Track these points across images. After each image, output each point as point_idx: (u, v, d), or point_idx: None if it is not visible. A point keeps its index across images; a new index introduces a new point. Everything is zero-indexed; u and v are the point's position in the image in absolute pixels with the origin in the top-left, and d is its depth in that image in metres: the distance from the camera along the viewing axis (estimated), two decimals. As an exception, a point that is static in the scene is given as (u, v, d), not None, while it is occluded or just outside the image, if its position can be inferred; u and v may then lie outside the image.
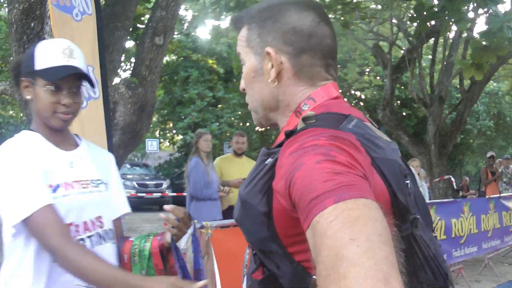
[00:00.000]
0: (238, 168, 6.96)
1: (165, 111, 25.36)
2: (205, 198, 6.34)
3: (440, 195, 12.95)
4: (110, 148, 3.96)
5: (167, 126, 27.29)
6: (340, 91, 1.35)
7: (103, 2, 5.23)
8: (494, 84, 25.65)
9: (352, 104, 23.72)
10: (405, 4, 12.56)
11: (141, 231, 12.68)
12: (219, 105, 25.92)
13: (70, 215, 1.92)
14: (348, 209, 0.88)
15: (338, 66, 1.35)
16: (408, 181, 1.19)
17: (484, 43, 6.98)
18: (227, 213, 6.54)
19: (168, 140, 29.06)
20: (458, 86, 16.31)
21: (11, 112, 24.06)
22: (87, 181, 2.03)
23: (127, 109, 4.92)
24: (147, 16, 6.97)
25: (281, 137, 1.20)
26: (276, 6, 1.29)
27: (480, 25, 45.03)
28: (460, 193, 16.36)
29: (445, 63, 14.26)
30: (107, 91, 4.06)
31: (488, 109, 26.03)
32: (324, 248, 0.85)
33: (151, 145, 22.78)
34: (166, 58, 22.82)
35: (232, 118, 25.27)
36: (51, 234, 1.78)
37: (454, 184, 14.22)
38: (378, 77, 24.20)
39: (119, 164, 5.13)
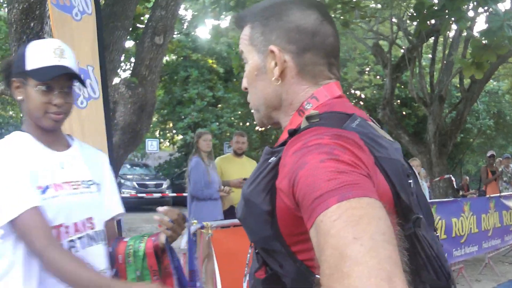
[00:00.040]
0: (238, 168, 6.94)
1: (165, 111, 25.36)
2: (206, 198, 6.33)
3: (440, 195, 12.95)
4: (110, 148, 3.96)
5: (167, 126, 27.29)
6: (341, 90, 1.35)
7: (103, 2, 5.23)
8: (494, 83, 25.66)
9: (352, 103, 23.70)
10: (405, 3, 12.56)
11: (141, 231, 12.67)
12: (219, 105, 25.92)
13: (60, 216, 1.90)
14: (352, 208, 0.88)
15: (339, 65, 1.35)
16: (411, 181, 1.19)
17: (484, 41, 6.97)
18: (228, 213, 6.53)
19: (168, 140, 29.06)
20: (458, 85, 16.30)
21: (11, 113, 24.05)
22: (78, 182, 2.01)
23: (127, 109, 4.92)
24: (147, 15, 6.97)
25: (284, 136, 1.20)
26: (279, 5, 1.29)
27: (480, 24, 45.05)
28: (460, 193, 16.35)
29: (445, 62, 14.26)
30: (107, 91, 4.05)
31: (488, 108, 26.04)
32: (328, 247, 0.85)
33: (151, 145, 22.78)
34: (166, 58, 22.81)
35: (232, 118, 25.28)
36: (36, 237, 1.78)
37: (454, 183, 14.21)
38: (378, 76, 24.24)
39: (119, 164, 5.14)
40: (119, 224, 3.86)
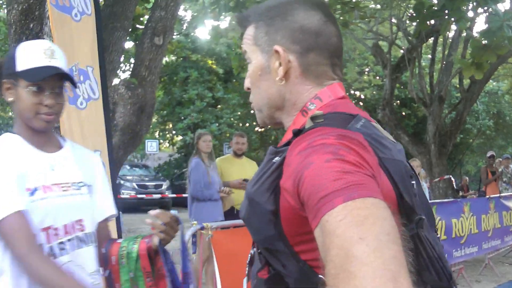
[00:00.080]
0: (238, 169, 6.94)
1: (165, 111, 25.37)
2: (206, 199, 6.32)
3: (440, 195, 12.95)
4: (110, 149, 3.95)
5: (167, 127, 27.30)
6: (341, 91, 1.34)
7: (102, 3, 5.22)
8: (494, 83, 25.66)
9: (352, 104, 23.69)
10: (404, 4, 12.56)
11: (140, 232, 12.66)
12: (219, 106, 25.93)
13: (48, 218, 1.89)
14: (357, 208, 0.88)
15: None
16: (413, 182, 1.19)
17: (484, 42, 6.97)
18: (229, 214, 6.52)
19: (167, 141, 29.06)
20: (458, 86, 16.30)
21: (10, 114, 24.06)
22: (68, 183, 2.00)
23: (126, 110, 4.91)
24: (146, 16, 6.96)
25: (288, 136, 1.21)
26: (284, 5, 1.29)
27: (480, 24, 45.05)
28: (460, 193, 16.35)
29: (444, 62, 14.26)
30: (106, 91, 4.05)
31: (487, 108, 26.04)
32: (333, 247, 0.85)
33: (150, 146, 22.75)
34: (166, 59, 22.82)
35: (232, 119, 25.28)
36: (18, 242, 1.78)
37: (454, 184, 14.21)
38: (377, 77, 24.24)
39: (119, 165, 5.13)
40: (119, 225, 3.86)
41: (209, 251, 4.64)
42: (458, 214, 7.30)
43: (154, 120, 24.50)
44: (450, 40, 14.50)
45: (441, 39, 15.10)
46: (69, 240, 1.94)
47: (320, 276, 1.05)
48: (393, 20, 14.33)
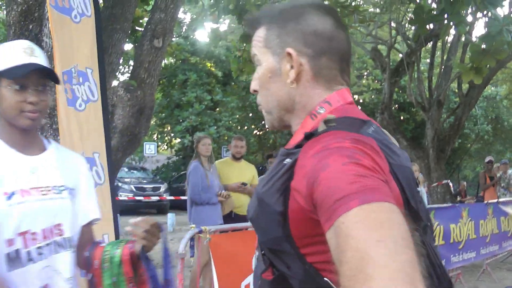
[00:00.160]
0: (237, 172, 6.93)
1: (163, 114, 25.37)
2: (204, 202, 6.30)
3: (438, 200, 12.94)
4: (109, 151, 3.94)
5: (165, 129, 27.28)
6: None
7: (102, 4, 5.21)
8: (492, 88, 25.70)
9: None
10: (403, 8, 12.57)
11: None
12: (217, 109, 25.94)
13: (25, 223, 1.88)
14: (373, 212, 0.89)
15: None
16: (419, 189, 1.21)
17: (483, 46, 6.97)
18: (228, 218, 6.51)
19: (166, 143, 29.04)
20: (457, 90, 16.31)
21: None
22: (48, 187, 1.98)
23: (125, 112, 4.90)
24: (146, 18, 6.95)
25: (297, 138, 1.22)
26: (298, 8, 1.30)
27: (478, 29, 45.15)
28: (458, 198, 16.36)
29: (443, 67, 14.27)
30: (105, 93, 4.04)
31: (486, 113, 26.06)
32: (349, 248, 0.86)
33: (149, 148, 22.72)
34: (165, 61, 22.81)
35: (230, 122, 25.28)
36: None
37: (452, 189, 14.21)
38: (376, 81, 24.25)
39: (117, 167, 5.11)
40: (116, 227, 3.84)
41: (207, 255, 4.62)
42: (456, 219, 7.29)
43: (152, 122, 24.47)
44: (449, 45, 14.51)
45: (440, 44, 15.11)
46: (47, 244, 1.93)
47: (325, 279, 1.08)
48: (392, 24, 14.34)
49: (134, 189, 19.67)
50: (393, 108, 18.52)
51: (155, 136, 27.68)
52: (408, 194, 1.13)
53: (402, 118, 25.49)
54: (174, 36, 21.11)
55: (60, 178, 2.03)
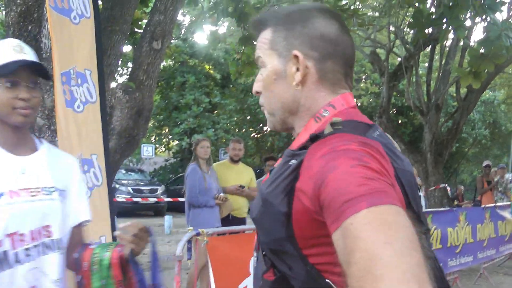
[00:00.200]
0: (235, 175, 6.93)
1: (161, 116, 25.36)
2: (201, 205, 6.30)
3: (436, 204, 12.93)
4: (107, 153, 3.94)
5: (163, 131, 27.27)
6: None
7: (101, 6, 5.21)
8: (490, 93, 25.75)
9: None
10: (402, 12, 12.59)
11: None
12: (216, 111, 25.93)
13: (13, 224, 1.87)
14: (382, 214, 0.90)
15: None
16: (420, 193, 1.23)
17: (482, 51, 6.98)
18: (226, 220, 6.50)
19: (163, 145, 29.02)
20: (455, 95, 16.32)
21: None
22: (38, 188, 1.97)
23: (123, 114, 4.89)
24: (145, 20, 6.95)
25: (301, 140, 1.24)
26: (305, 12, 1.32)
27: (477, 34, 45.24)
28: (455, 202, 16.37)
29: (441, 71, 14.28)
30: (104, 95, 4.04)
31: (484, 117, 26.12)
32: (358, 249, 0.87)
33: (146, 150, 22.68)
34: (163, 63, 22.81)
35: (228, 124, 25.29)
36: None
37: (449, 193, 14.21)
38: (374, 85, 24.26)
39: (115, 169, 5.11)
40: (114, 229, 3.83)
41: (205, 257, 4.62)
42: (453, 223, 7.31)
43: (150, 124, 24.44)
44: (448, 49, 14.52)
45: (439, 48, 15.13)
46: (35, 246, 1.92)
47: (327, 280, 1.09)
48: (391, 28, 14.34)
49: (131, 191, 19.59)
50: (391, 112, 18.53)
51: (153, 138, 27.67)
52: (410, 198, 1.15)
53: (400, 122, 25.50)
54: (173, 38, 21.13)
55: (51, 179, 2.02)
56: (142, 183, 21.13)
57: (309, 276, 1.14)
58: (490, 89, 23.85)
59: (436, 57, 15.28)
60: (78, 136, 3.63)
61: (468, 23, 8.62)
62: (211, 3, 9.82)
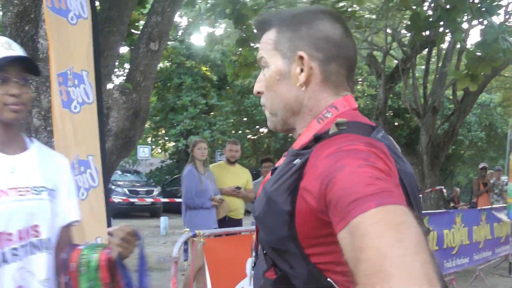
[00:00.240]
0: (231, 176, 6.93)
1: (158, 117, 25.34)
2: (198, 206, 6.29)
3: (432, 206, 12.97)
4: (103, 154, 3.93)
5: (159, 132, 27.25)
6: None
7: (99, 6, 5.20)
8: (486, 95, 25.81)
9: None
10: (399, 14, 12.61)
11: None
12: (212, 113, 25.93)
13: (2, 223, 1.86)
14: (390, 213, 0.92)
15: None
16: (420, 195, 1.24)
17: (479, 54, 6.99)
18: (222, 222, 6.50)
19: (160, 147, 29.00)
20: (451, 97, 16.36)
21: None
22: (27, 188, 1.95)
23: (120, 115, 4.88)
24: (142, 22, 6.94)
25: (304, 140, 1.25)
26: (310, 14, 1.34)
27: (473, 37, 45.39)
28: (451, 204, 16.40)
29: (438, 73, 14.32)
30: (101, 96, 4.03)
31: (480, 120, 26.16)
32: (368, 247, 0.88)
33: (142, 151, 22.66)
34: (160, 65, 22.79)
35: (225, 126, 25.28)
36: None
37: (446, 195, 14.24)
38: (371, 87, 24.29)
39: (112, 170, 5.10)
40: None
41: (201, 259, 4.61)
42: (450, 225, 7.32)
43: (146, 125, 24.41)
44: (444, 52, 14.56)
45: (436, 50, 15.17)
46: (22, 246, 1.90)
47: (329, 279, 1.11)
48: (388, 31, 14.38)
49: (127, 192, 19.56)
50: (387, 114, 18.57)
51: (149, 139, 27.64)
52: (411, 200, 1.16)
53: (396, 124, 25.52)
54: (170, 39, 21.11)
55: (40, 179, 2.01)
56: (138, 185, 21.10)
57: (311, 275, 1.15)
58: (486, 91, 23.88)
59: (433, 59, 15.31)
60: (74, 137, 3.62)
61: (465, 26, 8.63)
62: (209, 5, 9.81)
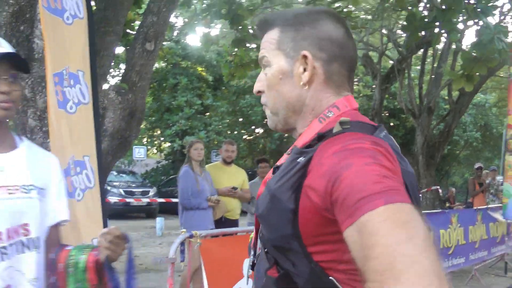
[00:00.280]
0: (227, 177, 6.93)
1: (153, 118, 25.31)
2: (194, 207, 6.28)
3: (427, 206, 13.00)
4: (99, 154, 3.91)
5: (155, 133, 27.21)
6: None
7: (95, 6, 5.19)
8: (481, 95, 25.89)
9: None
10: (395, 15, 12.63)
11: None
12: (207, 113, 25.92)
13: None
14: (399, 211, 0.93)
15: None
16: (420, 195, 1.24)
17: (474, 54, 7.01)
18: (219, 223, 6.49)
19: (155, 147, 28.96)
20: (447, 97, 16.41)
21: None
22: (16, 186, 1.94)
23: (116, 115, 4.87)
24: (138, 22, 6.92)
25: (306, 138, 1.26)
26: (313, 14, 1.35)
27: (469, 37, 45.51)
28: (447, 204, 16.44)
29: (433, 74, 14.35)
30: (97, 96, 4.01)
31: (475, 120, 26.25)
32: (377, 244, 0.89)
33: (138, 152, 22.59)
34: (156, 65, 22.76)
35: (220, 126, 25.27)
36: None
37: (441, 195, 14.27)
38: (367, 87, 24.33)
39: (107, 171, 5.08)
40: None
41: (198, 260, 4.60)
42: (445, 225, 7.33)
43: (142, 126, 24.39)
44: (440, 52, 14.60)
45: (431, 51, 15.20)
46: (11, 244, 1.89)
47: (331, 277, 1.11)
48: (384, 31, 14.41)
49: (123, 193, 19.52)
50: (383, 114, 18.60)
51: (144, 140, 27.60)
52: (413, 199, 1.14)
53: (392, 124, 25.56)
54: (166, 39, 21.10)
55: (29, 177, 1.99)
56: (133, 185, 21.06)
57: (313, 273, 1.15)
58: (482, 92, 23.98)
59: (429, 60, 15.36)
60: (70, 138, 3.61)
61: (460, 26, 8.65)
62: (204, 5, 9.80)
